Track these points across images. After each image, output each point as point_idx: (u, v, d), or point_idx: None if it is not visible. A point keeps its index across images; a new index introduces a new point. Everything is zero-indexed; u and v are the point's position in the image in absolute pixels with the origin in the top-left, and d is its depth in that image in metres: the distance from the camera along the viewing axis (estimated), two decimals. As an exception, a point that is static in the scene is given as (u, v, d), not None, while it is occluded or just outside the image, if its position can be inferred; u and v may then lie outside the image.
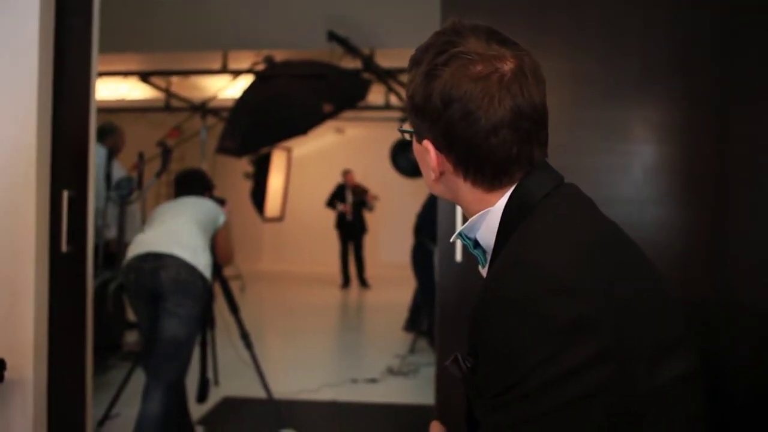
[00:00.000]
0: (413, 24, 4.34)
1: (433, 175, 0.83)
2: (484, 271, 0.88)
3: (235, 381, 3.48)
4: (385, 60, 5.47)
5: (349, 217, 7.72)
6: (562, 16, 2.04)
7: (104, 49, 2.45)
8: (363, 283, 7.87)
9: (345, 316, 6.35)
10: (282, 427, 2.74)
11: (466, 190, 0.82)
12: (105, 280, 3.59)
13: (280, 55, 5.66)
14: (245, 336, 2.75)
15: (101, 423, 2.72)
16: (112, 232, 3.90)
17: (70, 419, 2.37)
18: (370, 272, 7.98)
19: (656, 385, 0.70)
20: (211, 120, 8.01)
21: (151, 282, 2.22)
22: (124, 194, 3.77)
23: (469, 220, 0.83)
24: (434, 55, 0.77)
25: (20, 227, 2.23)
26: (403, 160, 6.90)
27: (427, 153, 0.80)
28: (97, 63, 2.43)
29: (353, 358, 4.37)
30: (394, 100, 6.59)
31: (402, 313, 5.55)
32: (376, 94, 6.50)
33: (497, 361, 0.69)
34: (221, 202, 2.70)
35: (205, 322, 2.66)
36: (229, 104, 6.46)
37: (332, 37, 4.57)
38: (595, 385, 0.66)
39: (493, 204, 0.80)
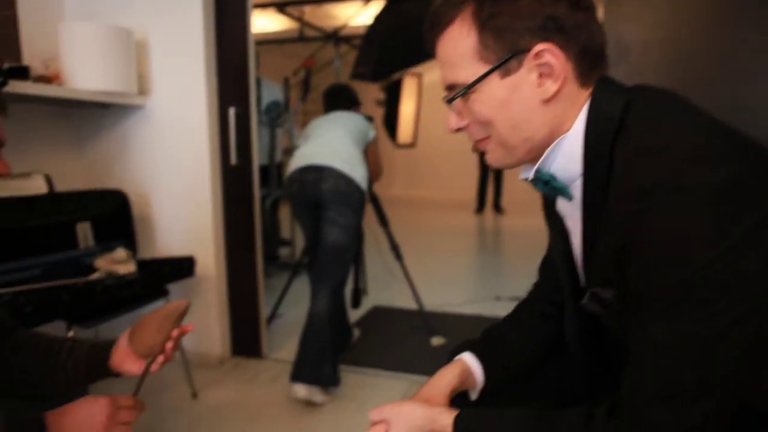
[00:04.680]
0: None
1: (550, 93, 0.75)
2: (570, 206, 0.82)
3: (382, 293, 3.66)
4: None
5: None
6: None
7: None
8: (498, 209, 7.78)
9: (483, 239, 6.35)
10: (433, 335, 2.84)
11: (574, 99, 0.76)
12: (261, 197, 3.85)
13: (413, -25, 5.48)
14: (395, 248, 2.84)
15: (269, 320, 3.00)
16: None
17: (246, 312, 2.65)
18: (506, 198, 7.85)
19: None
20: (343, 48, 8.10)
21: (313, 193, 2.33)
22: (273, 117, 3.97)
23: (546, 151, 0.78)
24: None
25: (196, 141, 2.45)
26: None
27: (546, 66, 0.74)
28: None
29: (495, 277, 4.38)
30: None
31: (539, 237, 5.42)
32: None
33: (665, 256, 0.64)
34: (368, 119, 2.74)
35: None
36: (362, 31, 6.46)
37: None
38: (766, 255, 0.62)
39: (567, 129, 0.77)
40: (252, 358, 2.66)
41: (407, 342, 2.84)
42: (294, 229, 4.59)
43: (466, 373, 1.01)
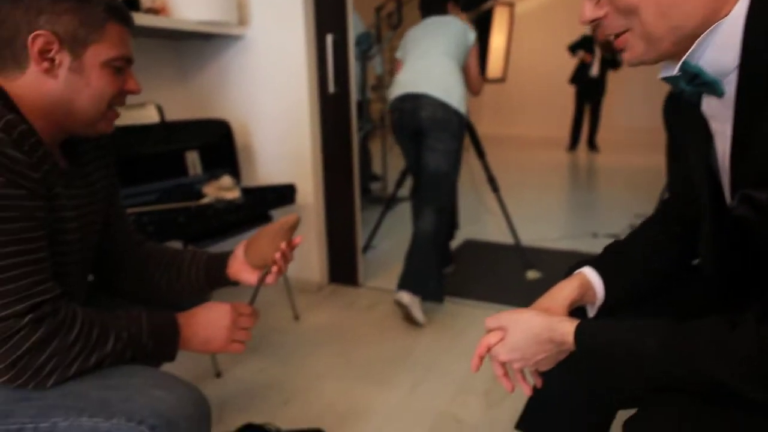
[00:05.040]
0: None
1: None
2: (719, 105, 0.74)
3: (473, 226, 3.63)
4: None
5: (594, 72, 7.00)
6: None
7: None
8: (592, 146, 7.42)
9: (576, 177, 6.11)
10: (528, 269, 2.80)
11: None
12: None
13: None
14: (492, 179, 2.77)
15: (363, 251, 3.06)
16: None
17: (343, 241, 2.71)
18: (601, 135, 7.46)
19: None
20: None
21: (412, 121, 2.35)
22: (364, 49, 3.92)
23: (697, 41, 0.69)
24: None
25: (295, 70, 2.46)
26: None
27: None
28: None
29: (591, 214, 4.22)
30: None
31: (638, 176, 5.15)
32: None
33: None
34: None
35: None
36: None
37: None
38: None
39: (724, 14, 0.68)
40: (348, 285, 2.74)
41: (502, 275, 2.82)
42: (385, 165, 4.61)
43: (586, 287, 0.97)
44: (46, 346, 0.81)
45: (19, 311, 0.79)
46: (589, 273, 0.99)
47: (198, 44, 2.61)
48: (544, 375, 1.11)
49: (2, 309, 0.78)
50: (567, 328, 0.84)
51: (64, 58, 0.88)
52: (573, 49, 7.07)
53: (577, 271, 1.00)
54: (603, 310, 1.00)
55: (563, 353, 0.88)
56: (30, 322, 0.80)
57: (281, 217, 1.23)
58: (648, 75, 7.48)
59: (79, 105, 0.91)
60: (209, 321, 1.03)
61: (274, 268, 1.14)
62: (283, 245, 1.14)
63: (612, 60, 6.86)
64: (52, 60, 0.87)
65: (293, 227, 1.15)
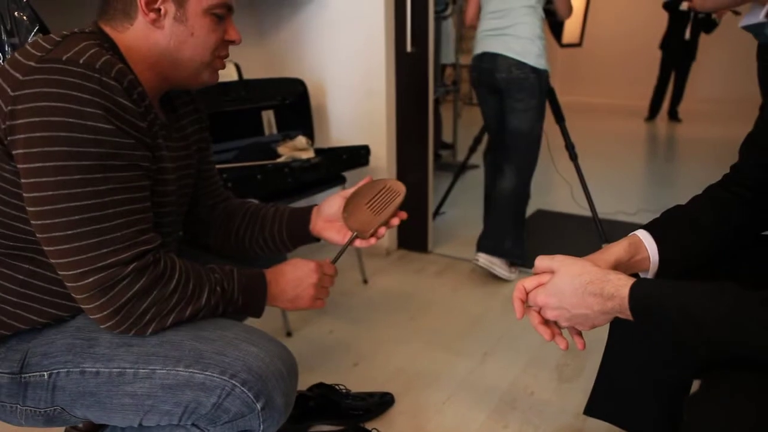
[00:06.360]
0: None
1: None
2: None
3: (543, 196, 3.51)
4: None
5: (686, 35, 6.48)
6: None
7: None
8: (673, 116, 6.99)
9: (656, 148, 5.80)
10: (605, 242, 2.69)
11: None
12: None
13: None
14: (570, 147, 2.65)
15: (432, 217, 3.02)
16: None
17: (414, 206, 2.67)
18: (681, 106, 7.03)
19: None
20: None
21: (490, 80, 2.34)
22: (438, 10, 3.80)
23: None
24: None
25: (372, 27, 2.40)
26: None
27: None
28: None
29: (671, 187, 4.01)
30: None
31: (722, 149, 4.83)
32: None
33: None
34: None
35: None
36: None
37: None
38: None
39: None
40: (417, 251, 2.72)
41: (577, 246, 2.71)
42: (456, 132, 4.51)
43: (636, 247, 0.90)
44: (147, 295, 0.83)
45: (124, 260, 0.80)
46: (642, 234, 0.92)
47: (275, 3, 2.59)
48: (610, 360, 1.04)
49: (108, 257, 0.79)
50: (622, 281, 0.77)
51: (169, 8, 0.88)
52: (671, 4, 6.45)
53: (631, 234, 0.93)
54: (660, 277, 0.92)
55: (606, 315, 0.80)
56: (133, 271, 0.81)
57: (383, 178, 1.20)
58: (734, 44, 6.96)
59: (184, 55, 0.91)
60: (298, 279, 1.03)
61: (372, 240, 1.12)
62: (394, 221, 1.12)
63: (706, 20, 6.33)
64: (158, 10, 0.87)
65: (402, 202, 1.13)
